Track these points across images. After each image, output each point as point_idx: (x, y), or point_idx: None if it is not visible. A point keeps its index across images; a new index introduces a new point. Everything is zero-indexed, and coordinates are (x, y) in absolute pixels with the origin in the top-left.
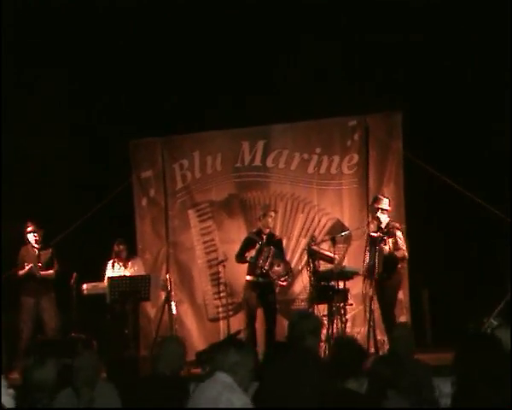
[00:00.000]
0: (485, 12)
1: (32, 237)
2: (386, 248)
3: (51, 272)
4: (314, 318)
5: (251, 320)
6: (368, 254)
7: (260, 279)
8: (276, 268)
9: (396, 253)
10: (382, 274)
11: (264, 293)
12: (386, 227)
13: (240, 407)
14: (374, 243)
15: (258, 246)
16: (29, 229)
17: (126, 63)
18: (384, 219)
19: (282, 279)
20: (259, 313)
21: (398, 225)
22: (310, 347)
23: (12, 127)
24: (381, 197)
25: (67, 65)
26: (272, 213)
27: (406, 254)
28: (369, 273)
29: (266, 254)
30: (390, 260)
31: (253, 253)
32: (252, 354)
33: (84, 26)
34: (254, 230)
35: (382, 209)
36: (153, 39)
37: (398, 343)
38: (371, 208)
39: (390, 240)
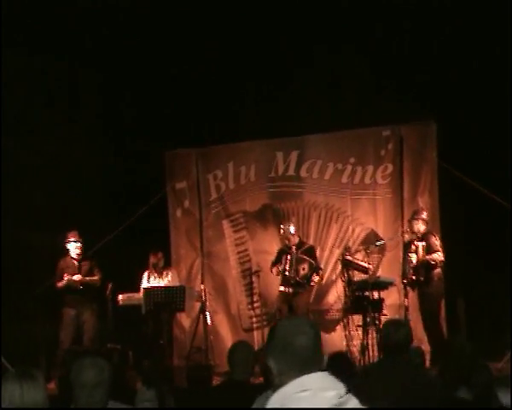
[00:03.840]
0: None
1: (74, 248)
2: (415, 255)
3: (96, 278)
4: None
5: None
6: (405, 260)
7: (291, 290)
8: (301, 272)
9: (429, 257)
10: (418, 281)
11: (295, 302)
12: (421, 236)
13: None
14: (407, 251)
15: (283, 257)
16: (72, 239)
17: (162, 74)
18: (421, 228)
19: (312, 279)
20: None
21: (433, 232)
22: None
23: (49, 136)
24: (419, 208)
25: (104, 73)
26: (282, 226)
27: (442, 256)
28: (403, 281)
29: (290, 262)
30: (424, 266)
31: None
32: None
33: (120, 35)
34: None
35: (421, 219)
36: (189, 51)
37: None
38: (410, 221)
39: (420, 244)
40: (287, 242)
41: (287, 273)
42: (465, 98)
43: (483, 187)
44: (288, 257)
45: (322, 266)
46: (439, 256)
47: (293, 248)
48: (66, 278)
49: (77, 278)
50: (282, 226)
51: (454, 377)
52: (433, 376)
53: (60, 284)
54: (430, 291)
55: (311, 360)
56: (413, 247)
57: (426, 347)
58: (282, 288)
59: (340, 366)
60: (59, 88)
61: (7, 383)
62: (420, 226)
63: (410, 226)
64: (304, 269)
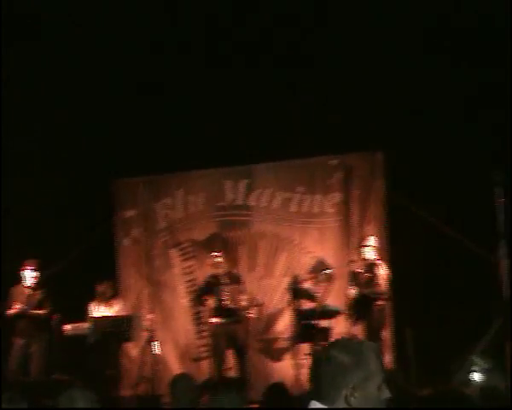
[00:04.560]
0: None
1: (29, 277)
2: (353, 290)
3: (42, 312)
4: None
5: (220, 365)
6: (350, 291)
7: (227, 320)
8: (242, 303)
9: (374, 289)
10: (361, 311)
11: (234, 334)
12: (369, 264)
13: None
14: (355, 280)
15: (215, 287)
16: (28, 268)
17: (109, 103)
18: (370, 256)
19: (249, 312)
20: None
21: (380, 262)
22: None
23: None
24: (366, 237)
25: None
26: (214, 254)
27: (386, 290)
28: (351, 311)
29: (228, 292)
30: (369, 297)
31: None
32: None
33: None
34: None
35: (370, 246)
36: (136, 78)
37: None
38: (357, 250)
39: (368, 276)
40: (217, 271)
41: (225, 304)
42: (413, 128)
43: (431, 216)
44: (226, 288)
45: (269, 294)
46: (382, 289)
47: (225, 277)
48: (17, 307)
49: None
50: (213, 254)
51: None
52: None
53: (10, 313)
54: (371, 323)
55: None
56: (355, 280)
57: None
58: (214, 320)
59: (276, 397)
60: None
61: None
62: (369, 254)
63: (360, 254)
64: (243, 300)
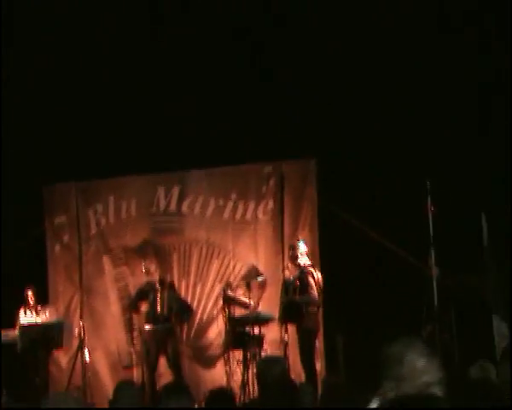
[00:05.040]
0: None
1: None
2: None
3: None
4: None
5: (152, 372)
6: (281, 298)
7: (160, 326)
8: (174, 310)
9: (305, 296)
10: (292, 318)
11: (165, 340)
12: (301, 271)
13: None
14: (287, 288)
15: (151, 295)
16: None
17: (41, 106)
18: (304, 261)
19: (183, 318)
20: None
21: (312, 269)
22: None
23: None
24: (296, 243)
25: None
26: (143, 264)
27: (317, 297)
28: (280, 318)
29: (161, 300)
30: (300, 304)
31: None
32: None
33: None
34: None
35: (300, 254)
36: (67, 80)
37: None
38: (290, 257)
39: (301, 283)
40: (150, 278)
41: (158, 311)
42: (346, 135)
43: (363, 225)
44: (158, 295)
45: (202, 301)
46: (312, 297)
47: (157, 285)
48: None
49: None
50: (143, 264)
51: None
52: None
53: None
54: (304, 325)
55: None
56: (287, 287)
57: None
58: (148, 326)
59: (220, 402)
60: None
61: None
62: (301, 260)
63: (292, 261)
64: (173, 307)
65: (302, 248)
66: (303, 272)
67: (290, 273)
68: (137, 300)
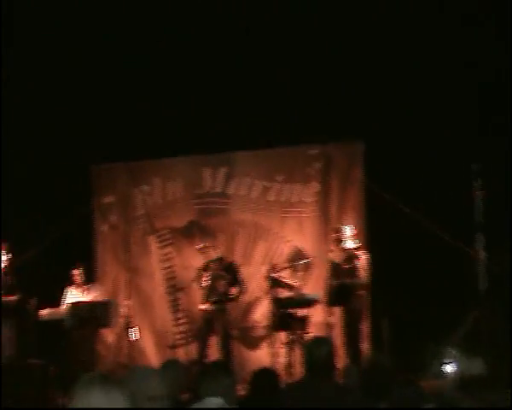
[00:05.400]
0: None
1: (1, 260)
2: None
3: (12, 298)
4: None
5: (201, 351)
6: (329, 281)
7: (209, 307)
8: (220, 289)
9: (355, 279)
10: (340, 301)
11: (216, 320)
12: (348, 254)
13: None
14: (335, 270)
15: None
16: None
17: (89, 88)
18: (350, 245)
19: (230, 293)
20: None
21: (360, 252)
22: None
23: None
24: (341, 226)
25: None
26: (201, 246)
27: (366, 280)
28: (329, 300)
29: (209, 279)
30: (349, 287)
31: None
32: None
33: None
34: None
35: (346, 237)
36: (116, 65)
37: None
38: (335, 240)
39: (349, 266)
40: (205, 258)
41: (205, 290)
42: (393, 117)
43: (409, 207)
44: (207, 274)
45: (247, 282)
46: (363, 280)
47: (212, 264)
48: None
49: None
50: (200, 247)
51: (373, 393)
52: (358, 394)
53: None
54: (352, 308)
55: None
56: (334, 270)
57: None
58: (201, 306)
59: (264, 381)
60: None
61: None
62: (348, 243)
63: (338, 244)
64: (222, 286)
65: (348, 232)
66: (350, 255)
67: (334, 256)
68: (201, 274)
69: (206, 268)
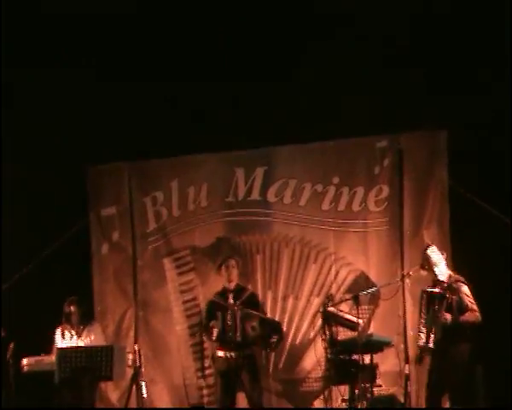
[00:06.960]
0: None
1: None
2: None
3: None
4: None
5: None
6: (422, 317)
7: (233, 355)
8: (251, 332)
9: (464, 317)
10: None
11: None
12: (448, 281)
13: None
14: (431, 304)
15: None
16: None
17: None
18: (444, 270)
19: (271, 342)
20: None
21: (462, 278)
22: None
23: None
24: (430, 245)
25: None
26: (233, 262)
27: (479, 316)
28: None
29: (232, 319)
30: (456, 328)
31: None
32: None
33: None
34: (219, 289)
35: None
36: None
37: None
38: (424, 258)
39: (454, 298)
40: (228, 285)
41: (229, 335)
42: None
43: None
44: (229, 312)
45: (292, 320)
46: (477, 316)
47: (231, 297)
48: None
49: None
50: (231, 263)
51: None
52: None
53: None
54: (450, 359)
55: None
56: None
57: None
58: (220, 353)
59: None
60: None
61: None
62: (440, 266)
63: (427, 263)
64: (253, 328)
65: (435, 257)
66: (451, 285)
67: (410, 283)
68: (210, 318)
69: (220, 304)
